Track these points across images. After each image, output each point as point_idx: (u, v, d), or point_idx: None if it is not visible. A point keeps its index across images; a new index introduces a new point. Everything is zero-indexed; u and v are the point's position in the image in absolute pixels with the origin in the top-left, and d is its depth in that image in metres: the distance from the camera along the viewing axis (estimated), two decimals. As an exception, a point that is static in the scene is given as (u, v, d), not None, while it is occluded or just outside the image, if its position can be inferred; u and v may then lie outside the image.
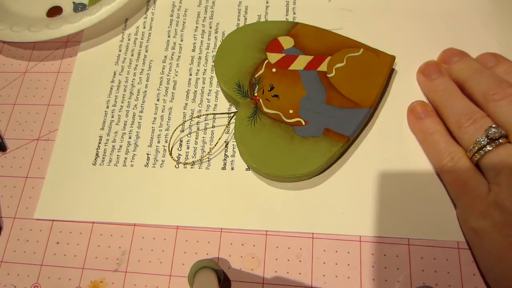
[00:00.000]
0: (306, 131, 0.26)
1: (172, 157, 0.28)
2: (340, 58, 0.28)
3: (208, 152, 0.28)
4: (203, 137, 0.29)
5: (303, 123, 0.26)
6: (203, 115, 0.29)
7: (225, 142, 0.28)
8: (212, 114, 0.29)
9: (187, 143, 0.29)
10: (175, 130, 0.29)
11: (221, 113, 0.29)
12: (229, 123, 0.28)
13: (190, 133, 0.29)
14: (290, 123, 0.26)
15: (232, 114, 0.28)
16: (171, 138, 0.29)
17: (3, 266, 0.27)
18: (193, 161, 0.28)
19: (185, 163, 0.28)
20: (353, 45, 0.28)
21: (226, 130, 0.29)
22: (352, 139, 0.26)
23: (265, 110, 0.27)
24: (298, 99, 0.27)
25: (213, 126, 0.29)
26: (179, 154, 0.29)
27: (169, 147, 0.29)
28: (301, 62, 0.28)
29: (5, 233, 0.28)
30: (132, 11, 0.34)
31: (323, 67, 0.27)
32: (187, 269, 0.25)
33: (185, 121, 0.29)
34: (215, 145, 0.28)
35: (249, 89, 0.28)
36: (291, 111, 0.27)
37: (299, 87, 0.27)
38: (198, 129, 0.29)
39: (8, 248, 0.28)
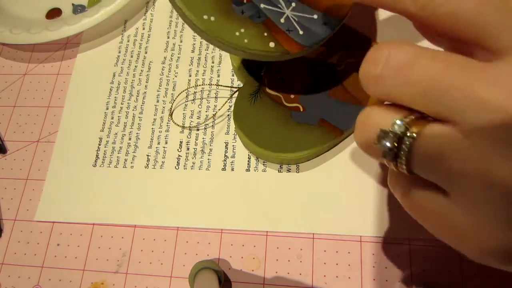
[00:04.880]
0: (302, 118, 0.26)
1: (174, 122, 0.29)
2: (353, 54, 0.28)
3: (212, 116, 0.28)
4: (206, 115, 0.29)
5: (301, 109, 0.27)
6: (208, 84, 0.30)
7: (225, 143, 0.29)
8: (217, 85, 0.29)
9: (191, 111, 0.30)
10: (178, 95, 0.30)
11: (226, 86, 0.29)
12: (231, 96, 0.29)
13: (193, 102, 0.30)
14: (288, 107, 0.27)
15: (235, 89, 0.29)
16: (173, 104, 0.30)
17: (4, 268, 0.27)
18: (197, 126, 0.29)
19: (190, 128, 0.29)
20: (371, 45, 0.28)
21: (228, 101, 0.29)
22: (345, 134, 0.26)
23: (268, 90, 0.28)
24: (302, 86, 0.27)
25: (215, 113, 0.29)
26: (182, 122, 0.29)
27: (171, 113, 0.29)
28: (313, 51, 0.28)
29: (5, 235, 0.28)
30: (131, 12, 0.34)
31: (333, 59, 0.28)
32: (188, 270, 0.25)
33: (189, 87, 0.30)
34: (219, 110, 0.29)
35: (257, 68, 0.28)
36: (292, 96, 0.27)
37: (306, 74, 0.28)
38: (200, 101, 0.29)
39: (8, 250, 0.28)
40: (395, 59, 0.13)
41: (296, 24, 0.22)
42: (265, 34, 0.22)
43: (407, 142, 0.13)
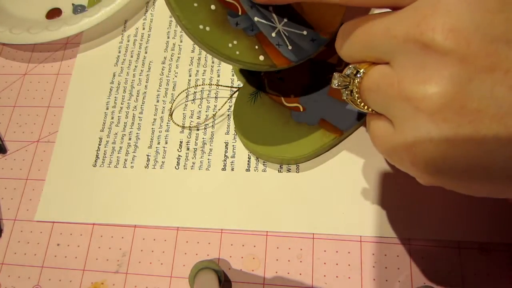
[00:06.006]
0: (302, 118, 0.26)
1: (174, 122, 0.29)
2: None
3: (212, 116, 0.29)
4: (206, 115, 0.29)
5: (301, 109, 0.27)
6: (208, 84, 0.30)
7: (225, 143, 0.29)
8: (217, 85, 0.29)
9: (191, 111, 0.30)
10: (178, 95, 0.30)
11: (226, 86, 0.29)
12: (231, 96, 0.29)
13: (193, 102, 0.30)
14: (288, 107, 0.27)
15: (235, 89, 0.29)
16: (173, 104, 0.30)
17: (4, 268, 0.27)
18: (197, 126, 0.29)
19: (190, 128, 0.29)
20: None
21: (228, 101, 0.29)
22: (345, 134, 0.26)
23: (268, 90, 0.28)
24: (302, 86, 0.27)
25: (215, 112, 0.29)
26: (183, 122, 0.29)
27: (171, 113, 0.30)
28: None
29: (5, 235, 0.28)
30: (132, 12, 0.34)
31: (333, 59, 0.28)
32: (188, 270, 0.25)
33: (189, 87, 0.30)
34: (219, 110, 0.29)
35: None
36: (292, 96, 0.27)
37: (305, 74, 0.28)
38: (200, 101, 0.29)
39: (8, 250, 0.28)
40: (344, 29, 0.18)
41: (286, 39, 0.23)
42: (256, 47, 0.22)
43: (357, 80, 0.17)
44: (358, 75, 0.17)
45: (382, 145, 0.17)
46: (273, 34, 0.22)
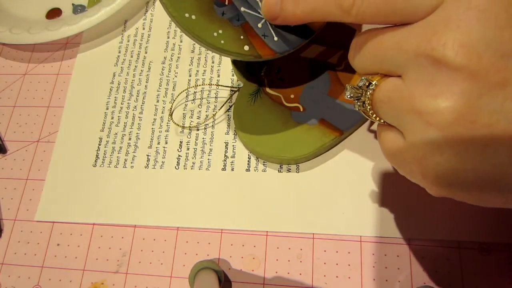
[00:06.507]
0: (302, 118, 0.26)
1: (174, 122, 0.29)
2: None
3: (212, 116, 0.29)
4: (206, 115, 0.29)
5: (301, 109, 0.27)
6: (208, 84, 0.30)
7: (225, 143, 0.29)
8: (217, 85, 0.30)
9: (191, 111, 0.30)
10: (178, 95, 0.30)
11: (226, 86, 0.30)
12: (231, 96, 0.29)
13: (193, 102, 0.30)
14: (288, 107, 0.27)
15: (235, 89, 0.29)
16: (173, 104, 0.30)
17: (4, 268, 0.27)
18: (197, 126, 0.29)
19: (190, 128, 0.29)
20: None
21: (228, 101, 0.29)
22: (345, 134, 0.26)
23: (268, 90, 0.28)
24: (302, 86, 0.27)
25: (215, 111, 0.29)
26: (182, 124, 0.29)
27: (171, 113, 0.30)
28: (312, 51, 0.28)
29: (5, 235, 0.28)
30: (132, 12, 0.34)
31: (333, 59, 0.28)
32: (188, 270, 0.25)
33: (189, 87, 0.30)
34: (219, 110, 0.29)
35: (257, 68, 0.28)
36: (292, 96, 0.27)
37: (305, 74, 0.28)
38: (200, 101, 0.29)
39: (8, 250, 0.28)
40: (356, 42, 0.18)
41: (272, 30, 0.22)
42: (242, 37, 0.22)
43: (369, 92, 0.17)
44: (370, 87, 0.17)
45: (392, 157, 0.17)
46: (259, 25, 0.22)
